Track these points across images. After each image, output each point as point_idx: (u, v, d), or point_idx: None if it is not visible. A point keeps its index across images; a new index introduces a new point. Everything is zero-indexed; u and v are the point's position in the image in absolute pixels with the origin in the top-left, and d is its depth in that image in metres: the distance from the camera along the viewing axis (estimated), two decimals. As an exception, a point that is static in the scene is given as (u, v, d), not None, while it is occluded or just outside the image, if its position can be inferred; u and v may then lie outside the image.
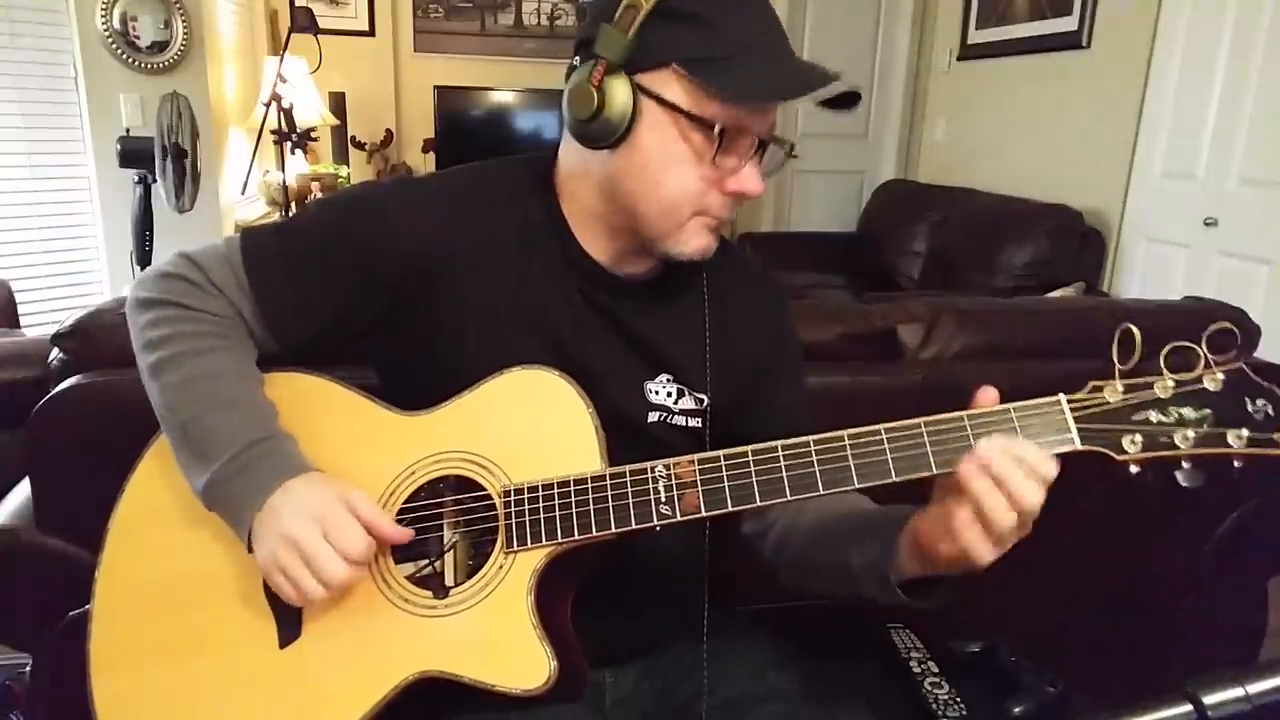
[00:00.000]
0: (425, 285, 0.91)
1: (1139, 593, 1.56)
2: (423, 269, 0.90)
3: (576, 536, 0.82)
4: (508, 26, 4.66)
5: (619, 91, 0.82)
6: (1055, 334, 1.52)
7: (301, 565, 0.80)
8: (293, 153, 3.71)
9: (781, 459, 0.77)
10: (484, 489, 0.86)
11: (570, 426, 0.85)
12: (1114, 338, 0.72)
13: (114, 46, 3.19)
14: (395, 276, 0.91)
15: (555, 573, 0.84)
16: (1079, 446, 0.72)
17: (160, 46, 3.30)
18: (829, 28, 4.85)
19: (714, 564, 1.00)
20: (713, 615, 0.99)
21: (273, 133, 3.54)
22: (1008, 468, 0.70)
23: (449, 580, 0.86)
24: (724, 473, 0.79)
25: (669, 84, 0.82)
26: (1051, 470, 0.71)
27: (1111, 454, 0.72)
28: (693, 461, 0.80)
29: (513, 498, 0.84)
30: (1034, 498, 0.70)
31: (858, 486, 0.76)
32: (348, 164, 4.40)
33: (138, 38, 3.24)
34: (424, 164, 4.57)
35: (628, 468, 0.81)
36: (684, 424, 0.96)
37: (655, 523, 0.80)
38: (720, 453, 0.79)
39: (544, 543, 0.82)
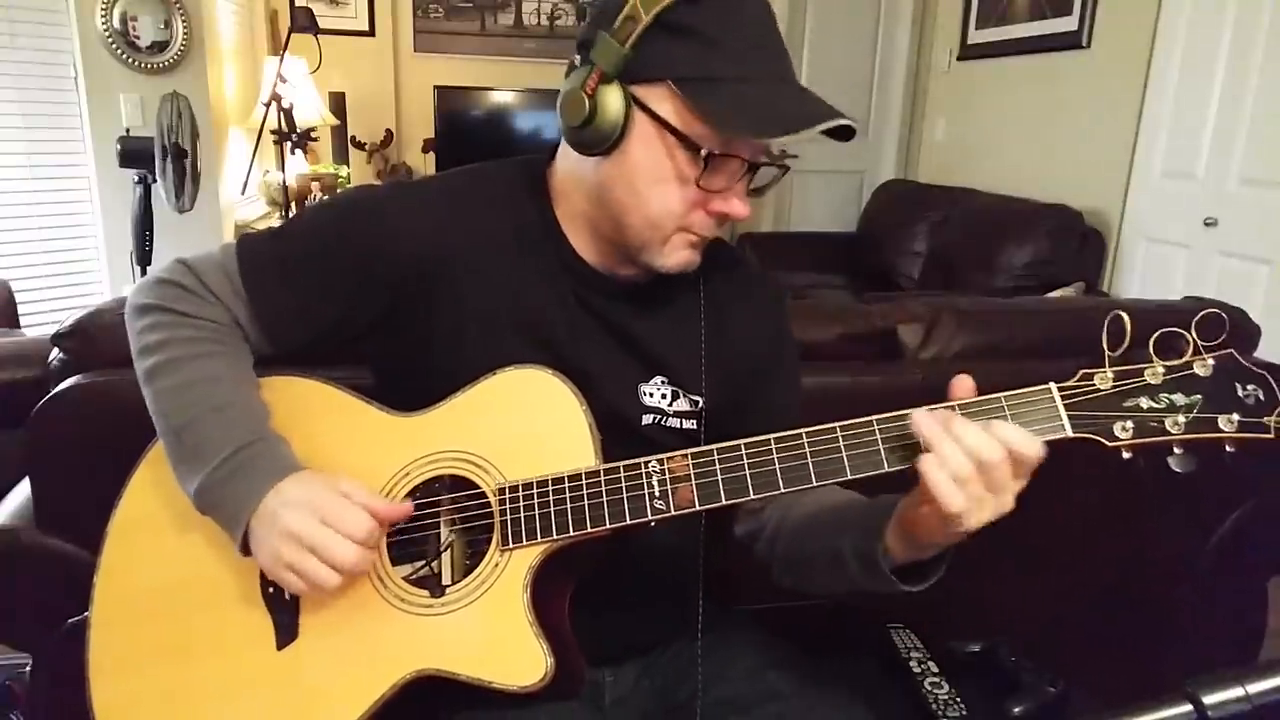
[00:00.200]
0: (424, 287, 0.91)
1: (1139, 592, 1.57)
2: (422, 271, 0.91)
3: (571, 533, 0.82)
4: (508, 26, 4.66)
5: (612, 101, 0.82)
6: (1055, 334, 1.52)
7: (309, 557, 0.80)
8: (293, 153, 3.71)
9: (774, 451, 0.78)
10: (479, 488, 0.86)
11: (564, 424, 0.85)
12: (1103, 325, 0.72)
13: (114, 46, 3.19)
14: (395, 278, 0.91)
15: (551, 570, 0.84)
16: (1070, 434, 0.72)
17: (160, 46, 3.30)
18: (829, 28, 4.85)
19: (713, 563, 1.00)
20: (712, 614, 0.99)
21: (273, 133, 3.54)
22: (947, 416, 0.72)
23: (445, 579, 0.86)
24: (717, 466, 0.79)
25: (662, 100, 0.82)
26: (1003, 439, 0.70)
27: (1103, 440, 0.72)
28: (686, 456, 0.80)
29: (507, 495, 0.84)
30: (975, 437, 0.70)
31: (851, 477, 0.76)
32: (348, 164, 4.40)
33: (138, 38, 3.24)
34: (424, 164, 4.57)
35: (621, 463, 0.82)
36: (679, 426, 0.96)
37: (650, 517, 0.80)
38: (713, 446, 0.80)
39: (539, 540, 0.83)
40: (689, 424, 0.96)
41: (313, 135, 4.09)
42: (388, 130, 4.51)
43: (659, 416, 0.95)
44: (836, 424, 0.77)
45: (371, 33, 4.52)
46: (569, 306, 0.93)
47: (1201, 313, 0.71)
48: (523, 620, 0.82)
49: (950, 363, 1.45)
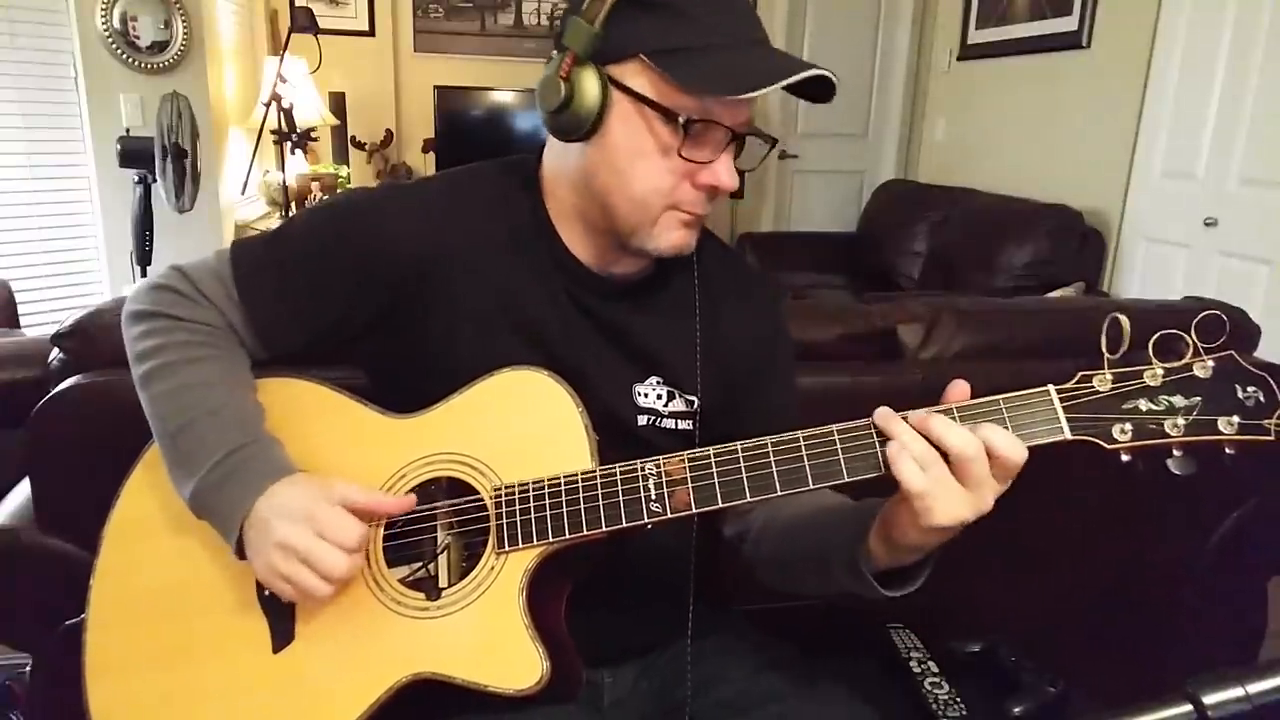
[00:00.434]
0: (419, 288, 0.91)
1: (1139, 592, 1.57)
2: (418, 272, 0.91)
3: (567, 535, 0.82)
4: (508, 26, 4.66)
5: (588, 83, 0.82)
6: (1055, 334, 1.52)
7: (301, 567, 0.80)
8: (293, 153, 3.71)
9: (771, 455, 0.77)
10: (475, 490, 0.86)
11: (561, 426, 0.85)
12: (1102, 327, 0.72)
13: (114, 46, 3.19)
14: (392, 279, 0.91)
15: (547, 573, 0.84)
16: (1069, 436, 0.72)
17: (160, 46, 3.30)
18: (829, 28, 4.85)
19: (711, 564, 1.00)
20: (711, 616, 0.99)
21: (273, 133, 3.54)
22: (926, 413, 0.73)
23: (442, 582, 0.86)
24: (714, 469, 0.79)
25: (637, 75, 0.82)
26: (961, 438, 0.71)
27: (1102, 443, 0.72)
28: (683, 459, 0.80)
29: (503, 498, 0.84)
30: (946, 428, 0.71)
31: (847, 480, 0.76)
32: (348, 164, 4.40)
33: (138, 38, 3.24)
34: (424, 164, 4.57)
35: (618, 466, 0.81)
36: (674, 427, 0.96)
37: (646, 520, 0.80)
38: (710, 449, 0.79)
39: (535, 542, 0.82)
40: (684, 424, 0.96)
41: (313, 135, 4.09)
42: (388, 130, 4.51)
43: (654, 417, 0.95)
44: (833, 426, 0.76)
45: (371, 33, 4.52)
46: (562, 306, 0.93)
47: (1201, 314, 0.71)
48: (519, 623, 0.82)
49: (950, 363, 1.45)
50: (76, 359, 1.24)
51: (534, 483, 0.83)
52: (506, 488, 0.84)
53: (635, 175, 0.84)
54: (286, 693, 0.86)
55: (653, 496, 0.80)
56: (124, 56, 3.22)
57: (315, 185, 4.00)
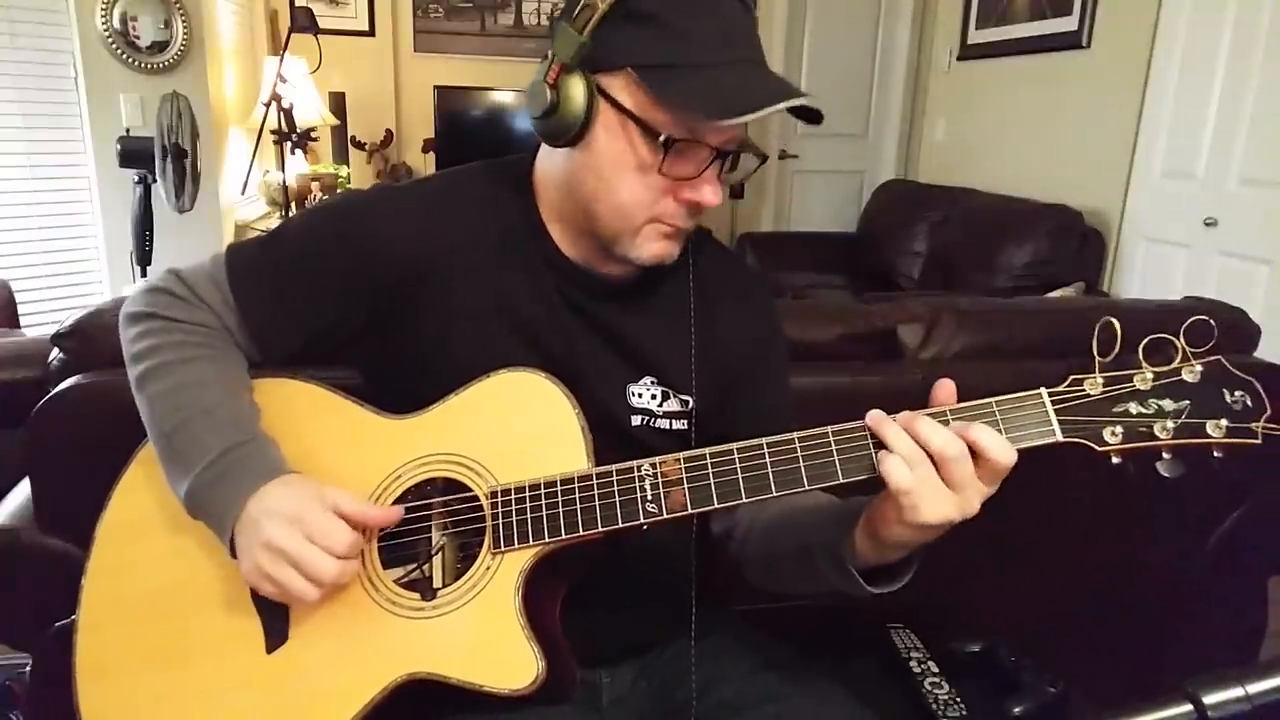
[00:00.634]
0: (414, 289, 0.91)
1: (1138, 592, 1.57)
2: (414, 272, 0.91)
3: (563, 536, 0.81)
4: (508, 26, 4.66)
5: (575, 90, 0.82)
6: (1055, 334, 1.52)
7: (289, 570, 0.79)
8: (293, 153, 3.71)
9: (767, 455, 0.77)
10: (471, 491, 0.85)
11: (557, 427, 0.85)
12: (1093, 331, 0.73)
13: (114, 46, 3.19)
14: (390, 279, 0.91)
15: (543, 573, 0.84)
16: (1060, 438, 0.73)
17: (160, 46, 3.30)
18: (829, 28, 4.85)
19: (710, 563, 1.00)
20: (710, 615, 0.98)
21: (273, 133, 3.54)
22: (913, 414, 0.74)
23: (437, 583, 0.86)
24: (709, 470, 0.79)
25: (623, 88, 0.82)
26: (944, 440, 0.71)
27: (1093, 445, 0.73)
28: (678, 459, 0.80)
29: (499, 498, 0.84)
30: (930, 429, 0.71)
31: (842, 481, 0.76)
32: (348, 164, 4.40)
33: (138, 38, 3.24)
34: (424, 164, 4.57)
35: (614, 467, 0.81)
36: (668, 427, 0.96)
37: (642, 521, 0.80)
38: (705, 450, 0.79)
39: (531, 543, 0.82)
40: (679, 425, 0.96)
41: (313, 135, 4.09)
42: (388, 130, 4.51)
43: (648, 417, 0.95)
44: (829, 428, 0.77)
45: (371, 33, 4.52)
46: (555, 306, 0.93)
47: (1191, 319, 0.72)
48: (514, 623, 0.82)
49: (950, 363, 1.45)
50: (76, 359, 1.24)
51: (530, 483, 0.83)
52: (503, 488, 0.84)
53: (618, 186, 0.84)
54: (280, 693, 0.85)
55: (649, 497, 0.80)
56: (124, 56, 3.22)
57: (315, 185, 4.00)
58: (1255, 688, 0.49)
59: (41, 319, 3.02)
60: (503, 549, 0.83)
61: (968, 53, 4.45)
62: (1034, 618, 1.44)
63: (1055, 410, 0.73)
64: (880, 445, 0.74)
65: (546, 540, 0.82)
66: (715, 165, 0.84)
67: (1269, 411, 0.71)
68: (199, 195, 2.97)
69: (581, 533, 0.81)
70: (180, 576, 0.90)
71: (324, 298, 0.92)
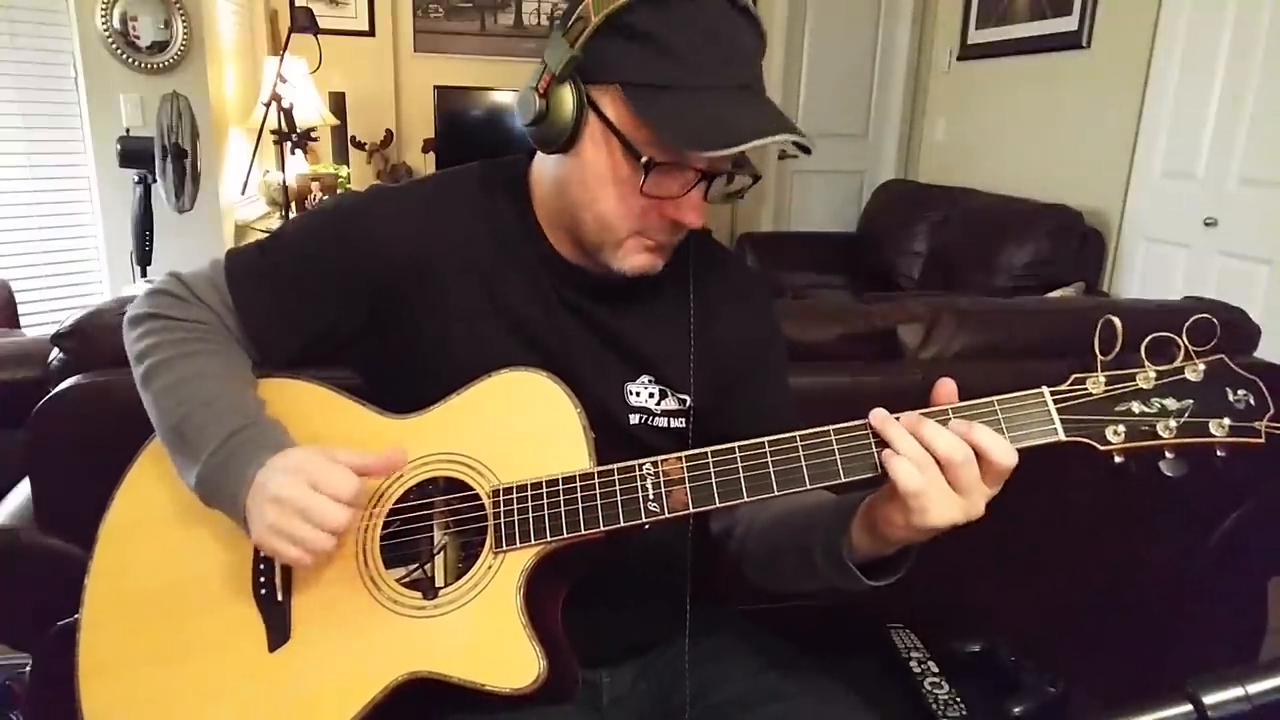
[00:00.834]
0: (414, 289, 0.91)
1: (1139, 592, 1.57)
2: (410, 273, 0.91)
3: (565, 535, 0.82)
4: (508, 26, 4.66)
5: (565, 100, 0.82)
6: (1055, 334, 1.52)
7: (299, 520, 0.79)
8: (293, 153, 3.71)
9: (769, 455, 0.77)
10: (473, 490, 0.86)
11: (559, 426, 0.85)
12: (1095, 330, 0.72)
13: (114, 46, 3.19)
14: (387, 281, 0.91)
15: (545, 572, 0.84)
16: (1063, 438, 0.73)
17: (160, 46, 3.30)
18: (829, 28, 4.85)
19: (711, 563, 1.00)
20: (711, 615, 0.98)
21: (273, 133, 3.54)
22: (917, 418, 0.73)
23: (439, 582, 0.86)
24: (711, 469, 0.79)
25: (611, 103, 0.81)
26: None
27: (1095, 444, 0.73)
28: (680, 458, 0.80)
29: (501, 498, 0.84)
30: (935, 433, 0.71)
31: (844, 480, 0.76)
32: (348, 164, 4.40)
33: (138, 38, 3.24)
34: (424, 164, 4.57)
35: (615, 466, 0.81)
36: (666, 425, 0.96)
37: (644, 520, 0.80)
38: (708, 449, 0.79)
39: (532, 542, 0.82)
40: (677, 423, 0.96)
41: (313, 135, 4.09)
42: (388, 130, 4.51)
43: (646, 416, 0.95)
44: (830, 427, 0.77)
45: (371, 33, 4.52)
46: (551, 305, 0.93)
47: (1193, 318, 0.72)
48: (515, 622, 0.82)
49: (950, 363, 1.45)
50: (76, 359, 1.24)
51: (531, 482, 0.83)
52: (504, 487, 0.84)
53: (601, 198, 0.84)
54: (282, 691, 0.85)
55: (650, 496, 0.80)
56: (124, 56, 3.22)
57: (315, 185, 4.00)
58: (1255, 688, 0.49)
59: (41, 319, 3.02)
60: (504, 548, 0.83)
61: (968, 53, 4.45)
62: (1036, 618, 1.44)
63: (1057, 409, 0.73)
64: (883, 444, 0.74)
65: (548, 539, 0.82)
66: (701, 186, 0.83)
67: (1272, 410, 0.71)
68: (199, 195, 2.97)
69: (583, 532, 0.81)
70: (183, 575, 0.90)
71: (323, 299, 0.93)
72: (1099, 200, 3.52)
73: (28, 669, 1.36)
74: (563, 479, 0.82)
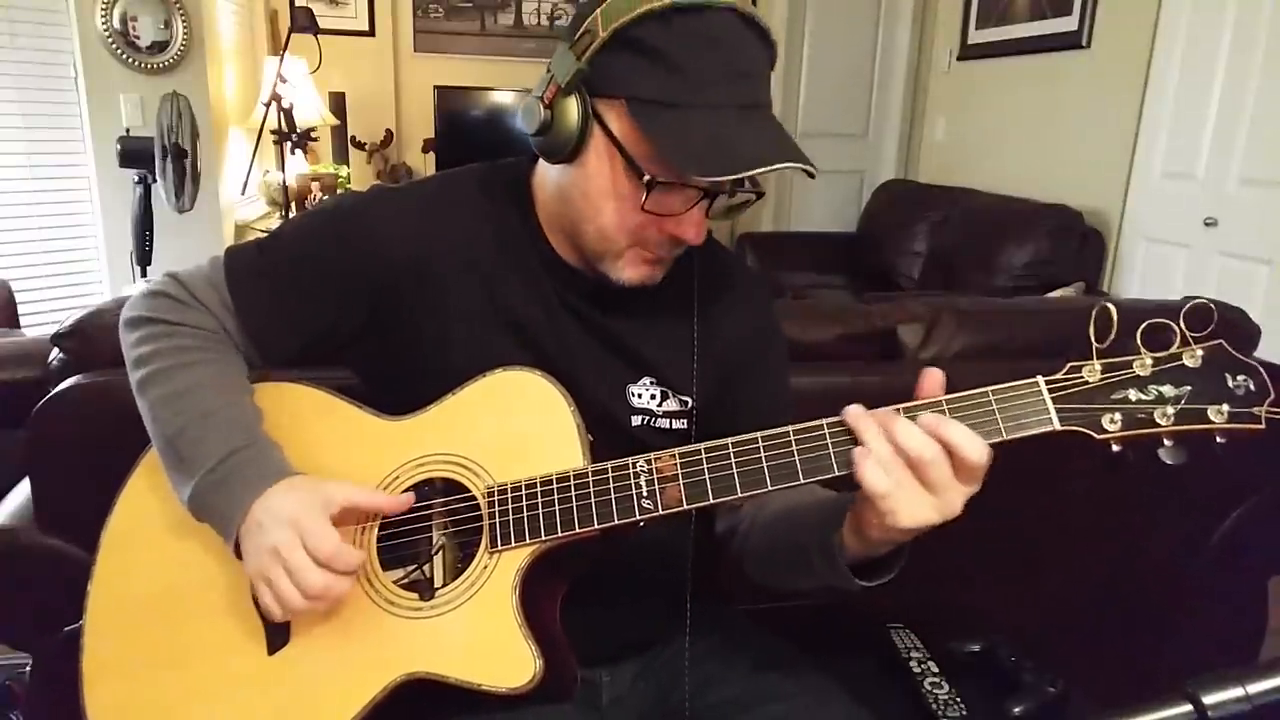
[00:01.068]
0: (413, 290, 0.91)
1: (1139, 591, 1.57)
2: (411, 273, 0.91)
3: (560, 534, 0.81)
4: (508, 26, 4.66)
5: (570, 111, 0.81)
6: (1055, 334, 1.52)
7: (282, 574, 0.80)
8: (293, 153, 3.71)
9: (762, 449, 0.77)
10: (469, 491, 0.86)
11: (553, 426, 0.85)
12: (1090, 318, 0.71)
13: (114, 46, 3.19)
14: (387, 281, 0.91)
15: (541, 571, 0.84)
16: (1058, 427, 0.72)
17: (160, 46, 3.30)
18: (829, 28, 4.85)
19: (713, 562, 1.00)
20: (712, 615, 0.98)
21: (273, 133, 3.54)
22: (888, 414, 0.73)
23: (437, 582, 0.86)
24: (705, 465, 0.78)
25: (617, 117, 0.81)
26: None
27: (1091, 433, 0.71)
28: (674, 455, 0.79)
29: (496, 497, 0.84)
30: (904, 429, 0.71)
31: (837, 474, 0.76)
32: (348, 164, 4.40)
33: (138, 38, 3.24)
34: (424, 164, 4.57)
35: (609, 463, 0.81)
36: (668, 426, 0.96)
37: (638, 517, 0.80)
38: (700, 445, 0.79)
39: (527, 541, 0.82)
40: (679, 424, 0.96)
41: (313, 135, 4.09)
42: (388, 130, 4.51)
43: (648, 417, 0.95)
44: (823, 420, 0.76)
45: (371, 33, 4.53)
46: (552, 308, 0.93)
47: (1191, 303, 0.71)
48: (511, 622, 0.82)
49: (950, 363, 1.45)
50: (76, 359, 1.24)
51: (526, 482, 0.83)
52: (499, 487, 0.84)
53: (602, 210, 0.84)
54: (282, 694, 0.86)
55: (644, 493, 0.80)
56: (124, 56, 3.22)
57: (315, 185, 4.00)
58: (1255, 688, 0.49)
59: (41, 319, 3.02)
60: (500, 548, 0.83)
61: (968, 53, 4.45)
62: (1035, 615, 1.44)
63: (1052, 398, 0.72)
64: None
65: (543, 538, 0.82)
66: (703, 204, 0.83)
67: (1273, 395, 0.69)
68: (199, 195, 2.97)
69: (578, 530, 0.81)
70: (184, 580, 0.90)
71: (322, 299, 0.92)
72: (1099, 200, 3.52)
73: (28, 669, 1.36)
74: (557, 478, 0.82)
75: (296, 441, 0.89)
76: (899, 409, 0.74)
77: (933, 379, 0.75)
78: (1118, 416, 0.71)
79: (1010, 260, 3.40)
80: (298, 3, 3.90)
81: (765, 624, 1.05)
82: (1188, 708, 0.49)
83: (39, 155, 3.13)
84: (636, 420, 0.95)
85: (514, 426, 0.86)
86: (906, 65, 4.89)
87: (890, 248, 4.23)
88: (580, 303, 0.93)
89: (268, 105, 3.47)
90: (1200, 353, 0.71)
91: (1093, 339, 0.72)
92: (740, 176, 0.75)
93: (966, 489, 0.72)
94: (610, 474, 0.81)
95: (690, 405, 0.96)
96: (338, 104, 4.31)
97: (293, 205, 3.75)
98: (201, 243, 3.30)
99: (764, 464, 0.77)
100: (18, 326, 2.66)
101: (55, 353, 1.26)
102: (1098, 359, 0.72)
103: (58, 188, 3.20)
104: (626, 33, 0.78)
